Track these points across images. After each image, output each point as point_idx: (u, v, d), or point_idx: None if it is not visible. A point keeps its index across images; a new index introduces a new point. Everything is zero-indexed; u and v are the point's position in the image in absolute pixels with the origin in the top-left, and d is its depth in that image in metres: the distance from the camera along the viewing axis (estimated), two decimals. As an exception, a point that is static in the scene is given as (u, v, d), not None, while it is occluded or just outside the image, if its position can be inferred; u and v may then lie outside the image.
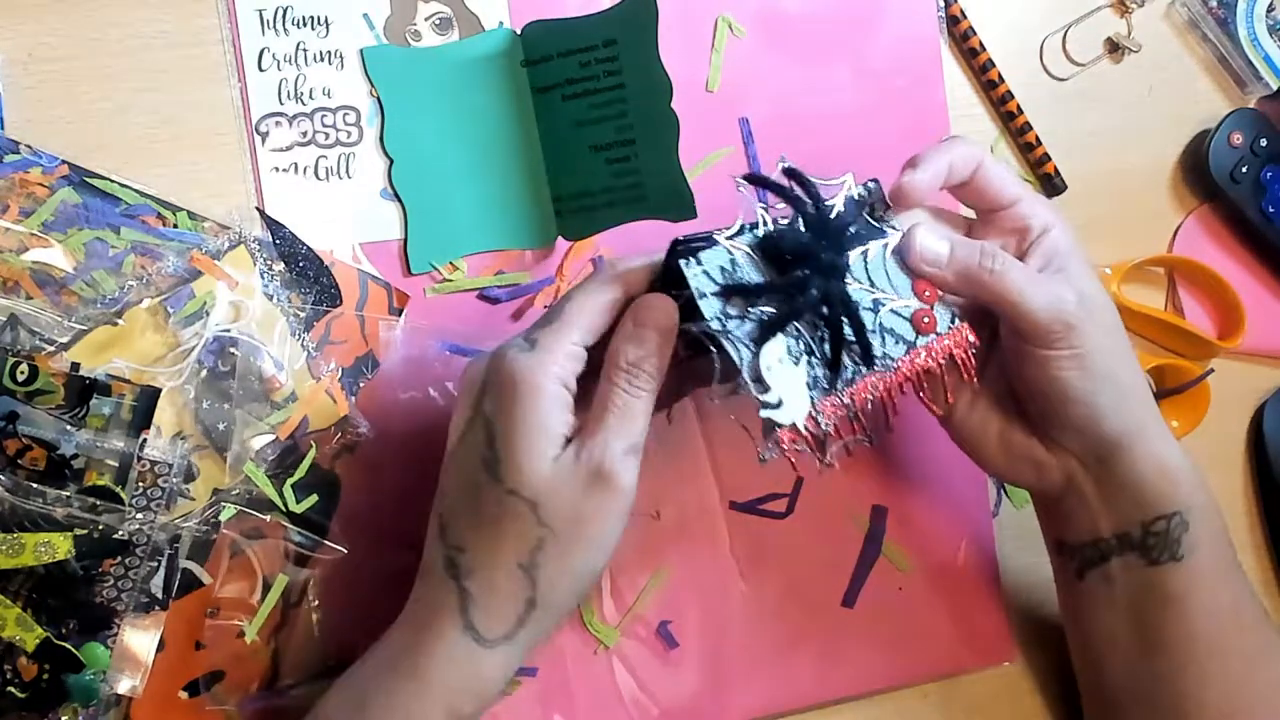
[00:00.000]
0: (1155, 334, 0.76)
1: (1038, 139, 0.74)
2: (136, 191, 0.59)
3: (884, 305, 0.55)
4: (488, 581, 0.51)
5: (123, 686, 0.56)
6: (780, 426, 0.52)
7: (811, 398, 0.53)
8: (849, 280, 0.54)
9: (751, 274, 0.52)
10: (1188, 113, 0.78)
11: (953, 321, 0.57)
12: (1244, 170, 0.76)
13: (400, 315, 0.62)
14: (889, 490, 0.69)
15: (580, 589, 0.52)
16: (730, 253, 0.52)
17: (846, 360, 0.54)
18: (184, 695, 0.58)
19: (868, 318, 0.54)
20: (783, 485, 0.68)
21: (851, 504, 0.69)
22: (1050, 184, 0.74)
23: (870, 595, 0.68)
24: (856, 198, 0.56)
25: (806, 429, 0.52)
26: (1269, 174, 0.76)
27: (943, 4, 0.72)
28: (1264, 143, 0.76)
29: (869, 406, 0.55)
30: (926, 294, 0.56)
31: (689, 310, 0.51)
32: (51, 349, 0.57)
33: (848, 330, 0.53)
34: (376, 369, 0.62)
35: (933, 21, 0.72)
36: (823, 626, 0.67)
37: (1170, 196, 0.78)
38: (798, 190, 0.54)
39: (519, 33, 0.64)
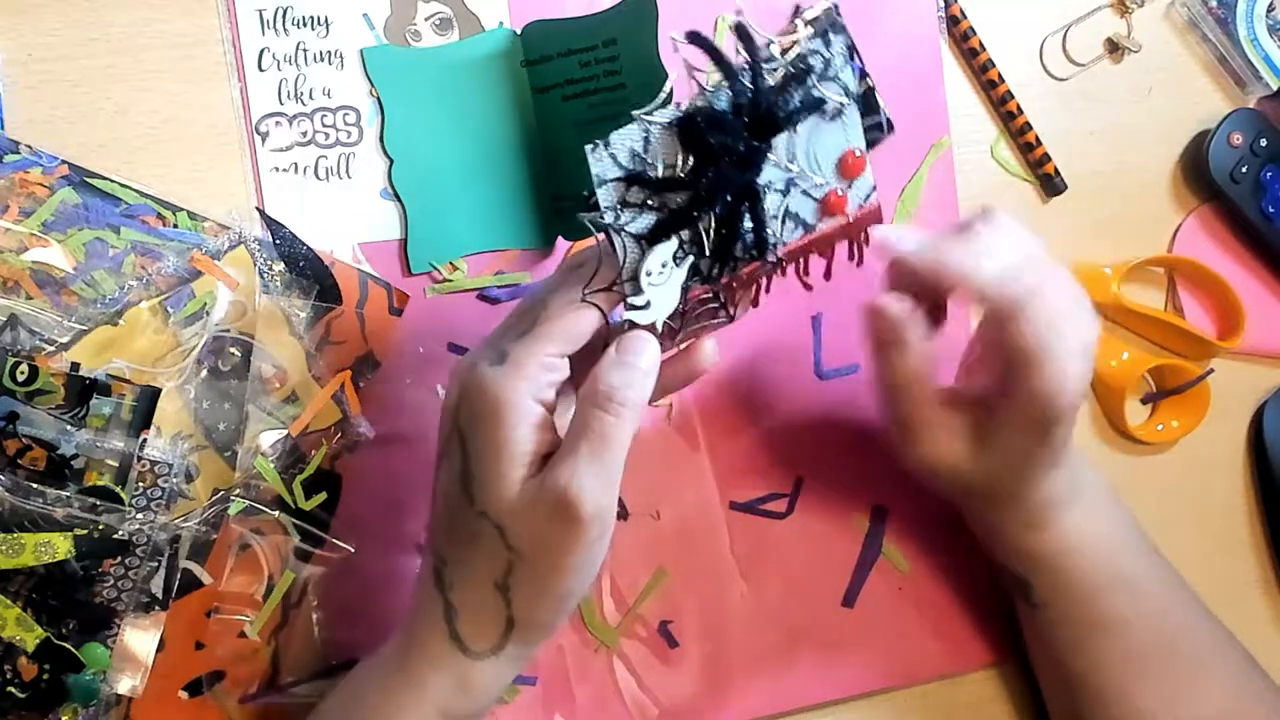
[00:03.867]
0: (1155, 334, 0.76)
1: (1038, 139, 0.74)
2: (136, 191, 0.59)
3: (797, 186, 0.52)
4: (468, 597, 0.50)
5: (123, 686, 0.56)
6: (637, 325, 0.50)
7: (684, 289, 0.50)
8: (766, 163, 0.51)
9: (664, 158, 0.49)
10: (1188, 113, 0.78)
11: (867, 198, 0.54)
12: (1244, 170, 0.76)
13: (400, 315, 0.62)
14: (889, 491, 0.69)
15: (561, 609, 0.51)
16: (645, 130, 0.48)
17: (738, 251, 0.51)
18: (184, 695, 0.58)
19: (773, 202, 0.51)
20: (783, 485, 0.68)
21: (851, 504, 0.69)
22: (1050, 184, 0.74)
23: (870, 596, 0.68)
24: (806, 53, 0.51)
25: (666, 323, 0.50)
26: (1269, 174, 0.76)
27: (943, 4, 0.72)
28: (1264, 143, 0.76)
29: (734, 290, 0.53)
30: (851, 162, 0.53)
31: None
32: (51, 349, 0.57)
33: (746, 223, 0.51)
34: (377, 369, 0.62)
35: (933, 22, 0.72)
36: (822, 627, 0.68)
37: (1170, 196, 0.78)
38: (741, 54, 0.49)
39: (519, 33, 0.64)
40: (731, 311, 0.53)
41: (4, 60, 0.59)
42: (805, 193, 0.52)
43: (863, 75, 0.53)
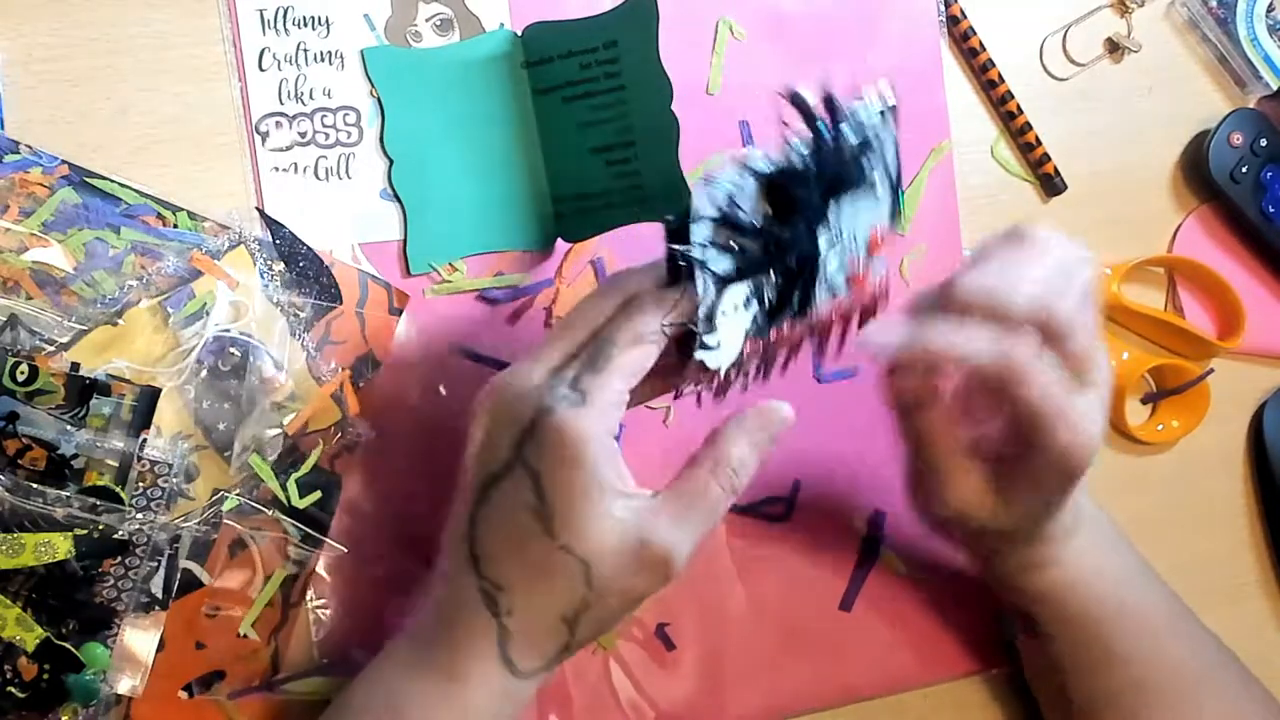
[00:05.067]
0: (1155, 334, 0.76)
1: (1038, 139, 0.74)
2: (136, 191, 0.59)
3: (838, 255, 0.53)
4: (528, 624, 0.50)
5: (123, 686, 0.56)
6: (707, 369, 0.51)
7: (744, 341, 0.52)
8: (824, 228, 0.52)
9: (749, 207, 0.50)
10: (1187, 113, 0.78)
11: (881, 276, 0.55)
12: (1244, 170, 0.76)
13: (400, 315, 0.62)
14: (887, 494, 0.69)
15: (610, 631, 0.54)
16: (741, 175, 0.50)
17: (786, 310, 0.53)
18: (184, 695, 0.58)
19: (823, 268, 0.53)
20: (781, 489, 0.68)
21: (850, 508, 0.69)
22: (1050, 184, 0.74)
23: (868, 599, 0.68)
24: (870, 130, 0.53)
25: (727, 373, 0.52)
26: (1269, 174, 0.76)
27: (943, 4, 0.72)
28: (1264, 143, 0.76)
29: (774, 353, 0.54)
30: (876, 240, 0.54)
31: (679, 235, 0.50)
32: (51, 349, 0.57)
33: (800, 284, 0.52)
34: (377, 369, 0.62)
35: (933, 23, 0.72)
36: (820, 630, 0.68)
37: (1170, 196, 0.78)
38: (824, 118, 0.52)
39: (520, 34, 0.64)
40: (768, 370, 0.55)
41: (4, 60, 0.59)
42: (841, 263, 0.54)
43: (897, 157, 0.56)
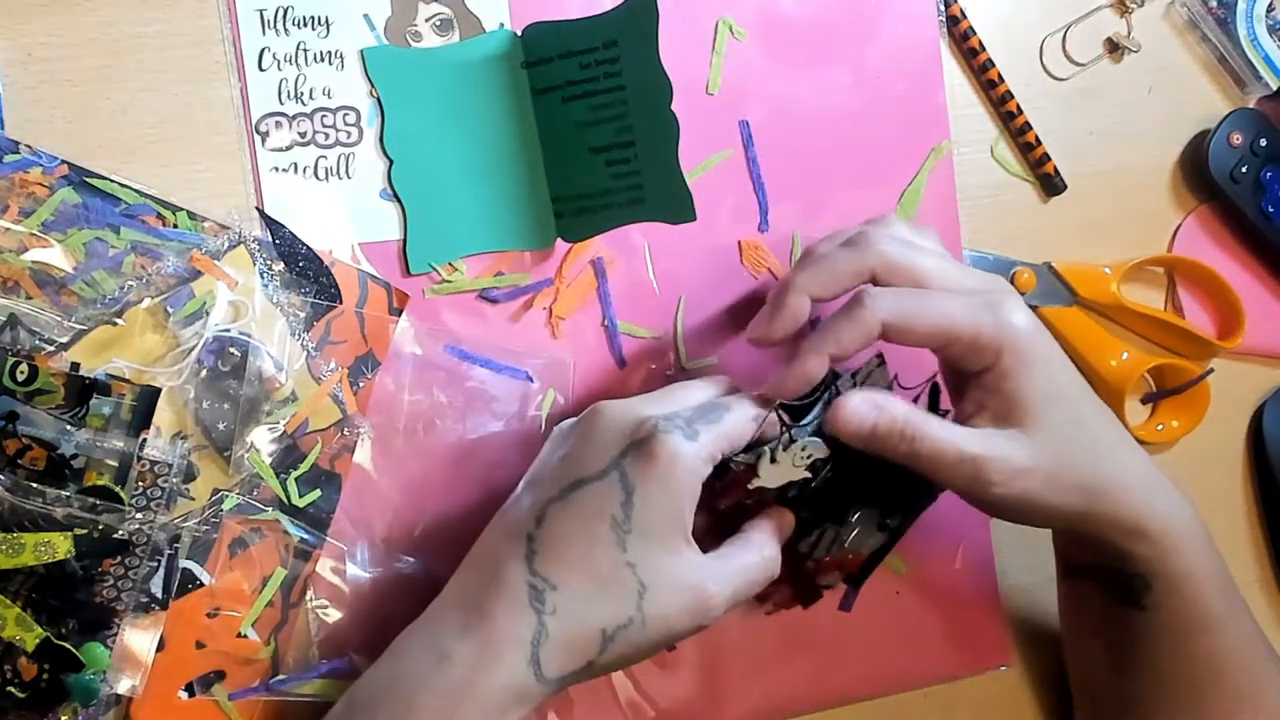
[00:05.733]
0: (1155, 334, 0.76)
1: (1037, 139, 0.74)
2: (136, 191, 0.59)
3: (835, 528, 0.60)
4: (568, 629, 0.50)
5: (123, 686, 0.56)
6: (752, 470, 0.56)
7: (782, 485, 0.57)
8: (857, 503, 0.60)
9: (815, 451, 0.56)
10: (1187, 112, 0.78)
11: (827, 586, 0.63)
12: (1244, 170, 0.76)
13: (400, 315, 0.62)
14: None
15: (625, 666, 0.55)
16: (809, 435, 0.57)
17: (801, 513, 0.59)
18: (184, 695, 0.58)
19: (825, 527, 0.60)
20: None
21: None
22: (1050, 184, 0.74)
23: (867, 599, 0.68)
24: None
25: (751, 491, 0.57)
26: (1269, 174, 0.76)
27: (943, 4, 0.72)
28: (1264, 143, 0.76)
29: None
30: (847, 561, 0.61)
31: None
32: (51, 349, 0.57)
33: (818, 514, 0.60)
34: (377, 369, 0.62)
35: (933, 23, 0.72)
36: (819, 631, 0.67)
37: (1170, 196, 0.78)
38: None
39: (519, 34, 0.64)
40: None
41: (4, 60, 0.59)
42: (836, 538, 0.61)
43: (905, 527, 0.62)
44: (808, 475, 0.56)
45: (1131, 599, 0.60)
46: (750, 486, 0.56)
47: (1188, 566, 0.59)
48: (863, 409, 0.55)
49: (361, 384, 0.61)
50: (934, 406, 0.60)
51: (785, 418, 0.57)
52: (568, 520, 0.52)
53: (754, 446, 0.56)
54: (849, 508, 0.60)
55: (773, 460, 0.56)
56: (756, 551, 0.55)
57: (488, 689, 0.50)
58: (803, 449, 0.56)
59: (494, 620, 0.51)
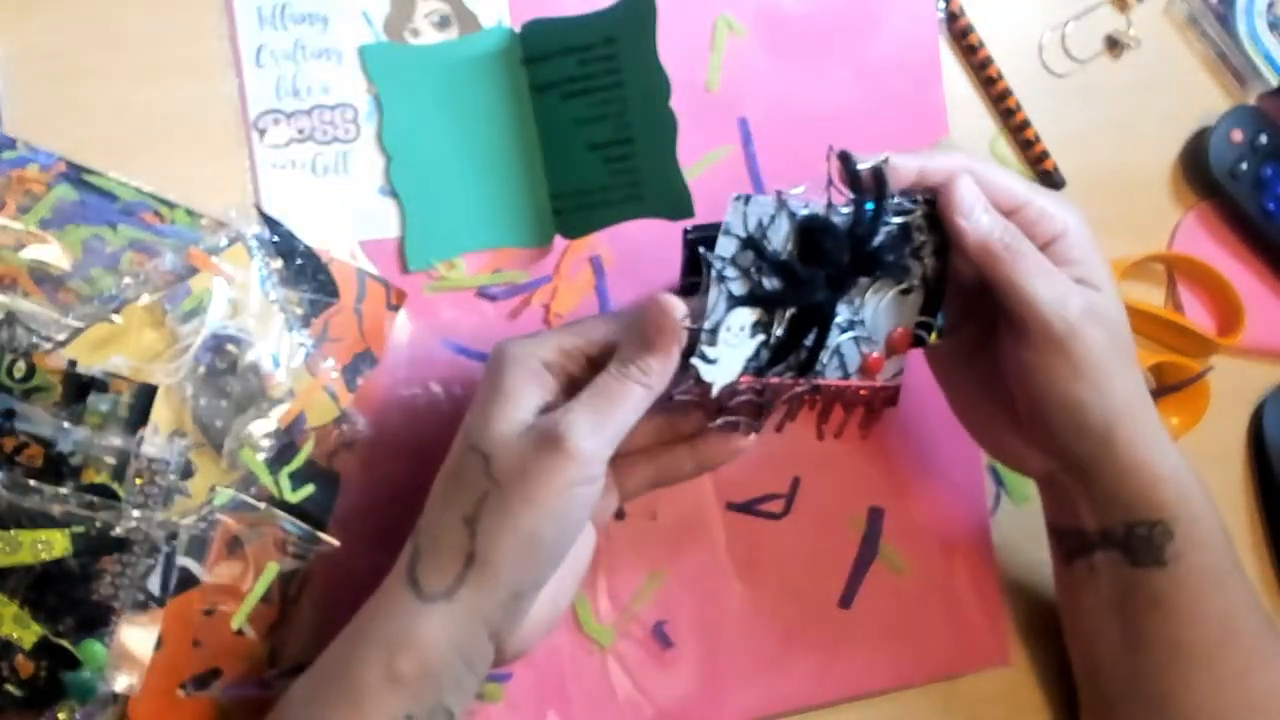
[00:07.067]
0: (1154, 331, 0.76)
1: (1036, 136, 0.73)
2: (134, 188, 0.59)
3: (853, 333, 0.56)
4: (434, 535, 0.52)
5: (120, 684, 0.56)
6: (700, 381, 0.53)
7: (741, 370, 0.54)
8: (843, 298, 0.55)
9: (777, 242, 0.53)
10: (1187, 109, 0.78)
11: (895, 376, 0.58)
12: (1244, 167, 0.76)
13: (398, 312, 0.62)
14: (886, 491, 0.69)
15: (524, 555, 0.51)
16: (778, 207, 0.52)
17: (790, 359, 0.55)
18: (181, 693, 0.58)
19: (832, 334, 0.55)
20: (780, 486, 0.68)
21: (848, 505, 0.69)
22: (1049, 180, 0.74)
23: (867, 596, 0.68)
24: (914, 226, 0.56)
25: (719, 393, 0.54)
26: (1269, 171, 0.76)
27: (942, 1, 0.72)
28: (1264, 139, 0.76)
29: (772, 402, 0.56)
30: (897, 338, 0.57)
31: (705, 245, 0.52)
32: (49, 346, 0.57)
33: (809, 339, 0.55)
34: (375, 365, 0.62)
35: (932, 20, 0.72)
36: (819, 628, 0.67)
37: (1170, 193, 0.78)
38: (869, 194, 0.54)
39: (518, 31, 0.64)
40: (759, 424, 0.57)
41: (2, 56, 0.58)
42: (856, 341, 0.57)
43: (941, 275, 0.58)
44: (760, 338, 0.54)
45: (1152, 555, 0.60)
46: (713, 395, 0.54)
47: (1205, 512, 0.60)
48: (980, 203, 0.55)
49: (359, 381, 0.61)
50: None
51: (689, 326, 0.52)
52: (444, 464, 0.54)
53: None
54: (840, 303, 0.55)
55: (706, 360, 0.53)
56: (599, 382, 0.52)
57: (370, 619, 0.51)
58: (728, 329, 0.53)
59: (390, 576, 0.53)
